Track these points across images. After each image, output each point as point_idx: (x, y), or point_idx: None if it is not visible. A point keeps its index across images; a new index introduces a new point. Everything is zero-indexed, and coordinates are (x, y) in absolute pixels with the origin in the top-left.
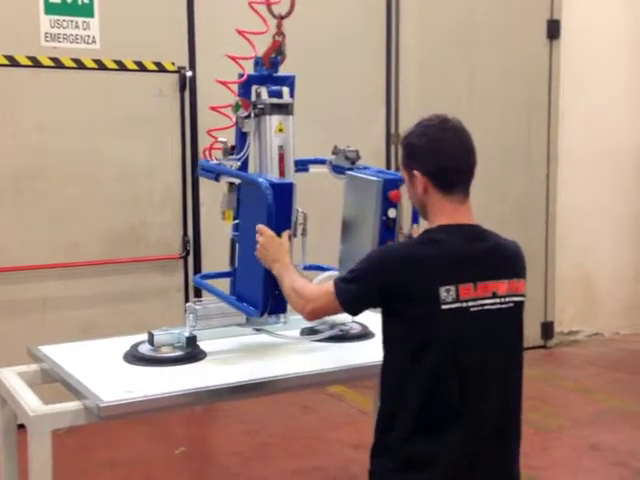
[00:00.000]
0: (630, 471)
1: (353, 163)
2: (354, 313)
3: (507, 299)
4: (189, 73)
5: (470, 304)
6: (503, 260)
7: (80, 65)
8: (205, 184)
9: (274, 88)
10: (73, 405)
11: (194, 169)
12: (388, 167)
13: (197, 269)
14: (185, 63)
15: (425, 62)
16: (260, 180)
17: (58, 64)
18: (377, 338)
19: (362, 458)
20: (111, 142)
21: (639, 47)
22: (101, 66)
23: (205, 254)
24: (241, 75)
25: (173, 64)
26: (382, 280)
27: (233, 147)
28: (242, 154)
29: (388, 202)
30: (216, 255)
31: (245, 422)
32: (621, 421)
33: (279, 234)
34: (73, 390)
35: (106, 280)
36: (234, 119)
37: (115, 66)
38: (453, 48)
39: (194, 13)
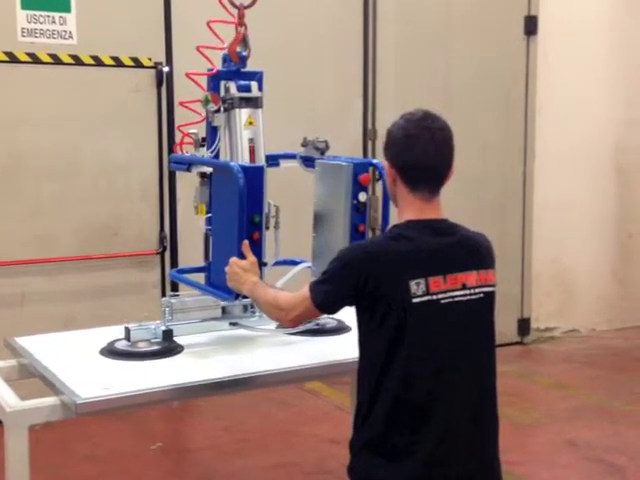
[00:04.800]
0: (606, 466)
1: (323, 153)
2: (331, 312)
3: (477, 290)
4: (166, 68)
5: (440, 296)
6: (471, 252)
7: (57, 60)
8: (182, 180)
9: (243, 82)
10: (50, 400)
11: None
12: None
13: (174, 265)
14: (162, 58)
15: (402, 58)
16: (231, 164)
17: (35, 59)
18: (353, 332)
19: (339, 453)
20: (88, 137)
21: (616, 43)
22: (78, 61)
23: (182, 250)
24: (210, 69)
25: (150, 59)
26: (354, 276)
27: (204, 139)
28: (213, 147)
29: (358, 186)
30: (193, 251)
31: (221, 417)
32: (597, 417)
33: (251, 218)
34: (50, 386)
35: (83, 276)
36: (204, 114)
37: (92, 61)
38: (430, 44)
39: (171, 8)
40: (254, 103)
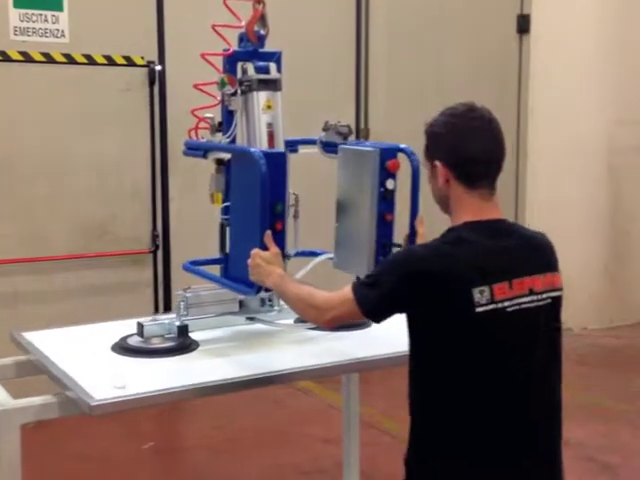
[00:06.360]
0: (598, 466)
1: (345, 138)
2: (378, 321)
3: (544, 295)
4: (158, 67)
5: (506, 304)
6: (535, 254)
7: (49, 59)
8: (174, 179)
9: (261, 64)
10: (42, 399)
11: (163, 163)
12: None
13: (166, 264)
14: (154, 57)
15: (395, 57)
16: (252, 150)
17: (27, 58)
18: (372, 327)
19: (332, 452)
20: (80, 136)
21: (608, 42)
22: (70, 60)
23: (174, 249)
24: (227, 50)
25: (142, 58)
26: (406, 284)
27: (221, 123)
28: (229, 133)
29: (386, 172)
30: (185, 249)
31: (214, 417)
32: (590, 416)
33: (273, 207)
34: (61, 385)
35: (76, 274)
36: (219, 97)
37: (84, 60)
38: (422, 43)
39: (163, 7)
40: (273, 85)
